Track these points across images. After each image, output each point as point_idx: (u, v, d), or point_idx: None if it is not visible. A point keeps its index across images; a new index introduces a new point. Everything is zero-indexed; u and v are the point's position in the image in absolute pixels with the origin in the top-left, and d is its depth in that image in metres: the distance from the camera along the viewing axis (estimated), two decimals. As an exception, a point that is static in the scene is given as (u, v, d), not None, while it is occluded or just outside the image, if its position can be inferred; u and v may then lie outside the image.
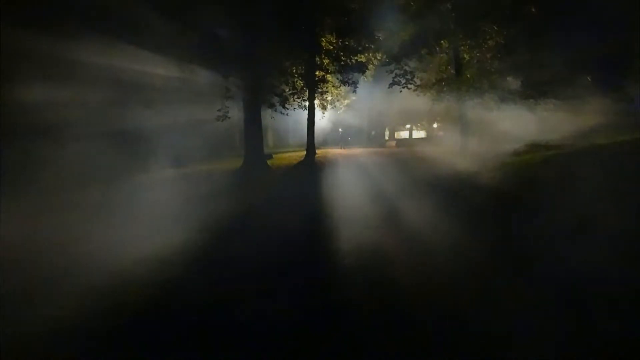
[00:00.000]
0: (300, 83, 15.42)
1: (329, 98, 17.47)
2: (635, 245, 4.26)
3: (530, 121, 15.58)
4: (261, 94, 13.95)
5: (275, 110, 14.79)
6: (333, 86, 16.88)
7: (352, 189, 9.67)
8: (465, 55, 15.31)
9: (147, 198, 9.37)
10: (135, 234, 6.19)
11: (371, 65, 16.58)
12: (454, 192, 8.49)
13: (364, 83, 18.06)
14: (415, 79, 16.50)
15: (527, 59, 14.32)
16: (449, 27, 14.43)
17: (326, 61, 15.65)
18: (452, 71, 15.84)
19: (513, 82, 15.69)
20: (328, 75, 16.03)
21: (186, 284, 4.22)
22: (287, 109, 15.33)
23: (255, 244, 5.64)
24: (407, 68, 16.20)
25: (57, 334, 3.22)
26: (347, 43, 15.37)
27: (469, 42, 14.65)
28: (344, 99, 19.11)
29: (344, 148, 23.97)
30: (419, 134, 29.84)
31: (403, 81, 16.33)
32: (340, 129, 29.29)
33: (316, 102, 16.85)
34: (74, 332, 3.25)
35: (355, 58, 15.73)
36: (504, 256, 4.56)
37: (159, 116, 13.29)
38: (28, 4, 9.98)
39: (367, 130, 32.37)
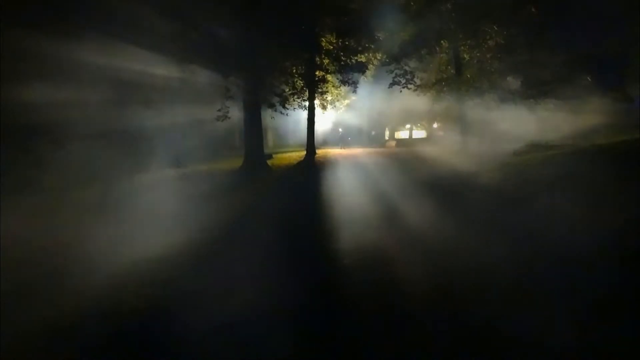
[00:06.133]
0: (300, 83, 15.42)
1: (329, 98, 17.46)
2: (632, 245, 4.26)
3: (530, 121, 15.57)
4: (261, 94, 13.94)
5: (275, 110, 14.78)
6: (333, 86, 16.87)
7: (352, 190, 9.66)
8: (465, 55, 15.31)
9: (146, 198, 9.36)
10: (135, 234, 6.19)
11: (371, 65, 16.58)
12: (454, 192, 8.48)
13: (364, 83, 18.06)
14: (415, 79, 16.50)
15: (527, 59, 14.32)
16: (449, 27, 14.43)
17: (326, 61, 15.65)
18: (452, 71, 15.84)
19: (513, 82, 15.70)
20: (328, 75, 16.02)
21: (184, 284, 4.23)
22: (287, 109, 15.32)
23: (254, 244, 5.63)
24: (407, 68, 16.20)
25: (57, 334, 3.22)
26: (347, 43, 15.36)
27: (469, 42, 14.65)
28: (344, 99, 19.10)
29: (344, 148, 23.94)
30: (419, 134, 29.82)
31: (403, 81, 16.33)
32: (340, 129, 29.28)
33: (316, 102, 16.83)
34: (73, 332, 3.25)
35: (355, 58, 15.73)
36: (502, 256, 4.55)
37: (159, 116, 13.27)
38: (28, 4, 9.97)
39: (367, 130, 32.34)
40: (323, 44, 15.14)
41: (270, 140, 27.56)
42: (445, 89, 15.96)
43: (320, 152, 18.31)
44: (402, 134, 31.26)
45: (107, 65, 10.96)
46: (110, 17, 10.67)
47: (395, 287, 3.88)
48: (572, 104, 14.68)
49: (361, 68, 16.48)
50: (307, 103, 16.26)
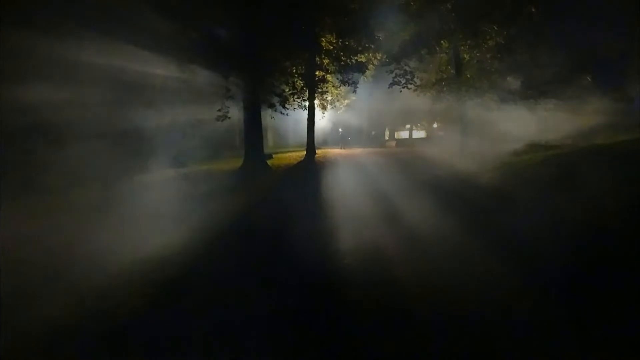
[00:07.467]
0: (300, 83, 15.42)
1: (329, 98, 17.47)
2: (632, 246, 4.26)
3: (530, 121, 15.59)
4: (261, 94, 13.94)
5: (275, 110, 14.79)
6: (333, 86, 16.88)
7: (352, 190, 9.66)
8: (465, 55, 15.30)
9: (147, 199, 9.35)
10: (134, 234, 6.19)
11: (371, 65, 16.58)
12: (453, 192, 8.48)
13: (364, 83, 18.07)
14: (415, 79, 16.49)
15: (527, 59, 14.33)
16: (449, 27, 14.41)
17: (326, 61, 15.65)
18: (452, 71, 15.83)
19: (513, 82, 15.71)
20: (328, 75, 16.03)
21: (184, 284, 4.22)
22: (287, 109, 15.32)
23: (254, 244, 5.63)
24: (407, 68, 16.20)
25: (57, 334, 3.22)
26: (347, 43, 15.36)
27: (469, 42, 14.63)
28: (344, 99, 19.11)
29: (344, 148, 23.96)
30: (419, 134, 29.86)
31: (403, 81, 16.33)
32: (340, 129, 29.30)
33: (316, 102, 16.84)
34: (73, 332, 3.25)
35: (355, 58, 15.73)
36: (499, 257, 4.56)
37: (159, 116, 13.28)
38: (28, 4, 9.97)
39: (367, 130, 32.38)
40: (323, 44, 15.14)
41: (270, 140, 27.59)
42: (445, 89, 15.94)
43: (320, 152, 18.32)
44: (402, 134, 31.31)
45: (107, 65, 10.96)
46: (110, 17, 10.67)
47: (395, 286, 3.88)
48: (572, 104, 14.69)
49: (361, 68, 16.49)
50: (307, 103, 16.27)
